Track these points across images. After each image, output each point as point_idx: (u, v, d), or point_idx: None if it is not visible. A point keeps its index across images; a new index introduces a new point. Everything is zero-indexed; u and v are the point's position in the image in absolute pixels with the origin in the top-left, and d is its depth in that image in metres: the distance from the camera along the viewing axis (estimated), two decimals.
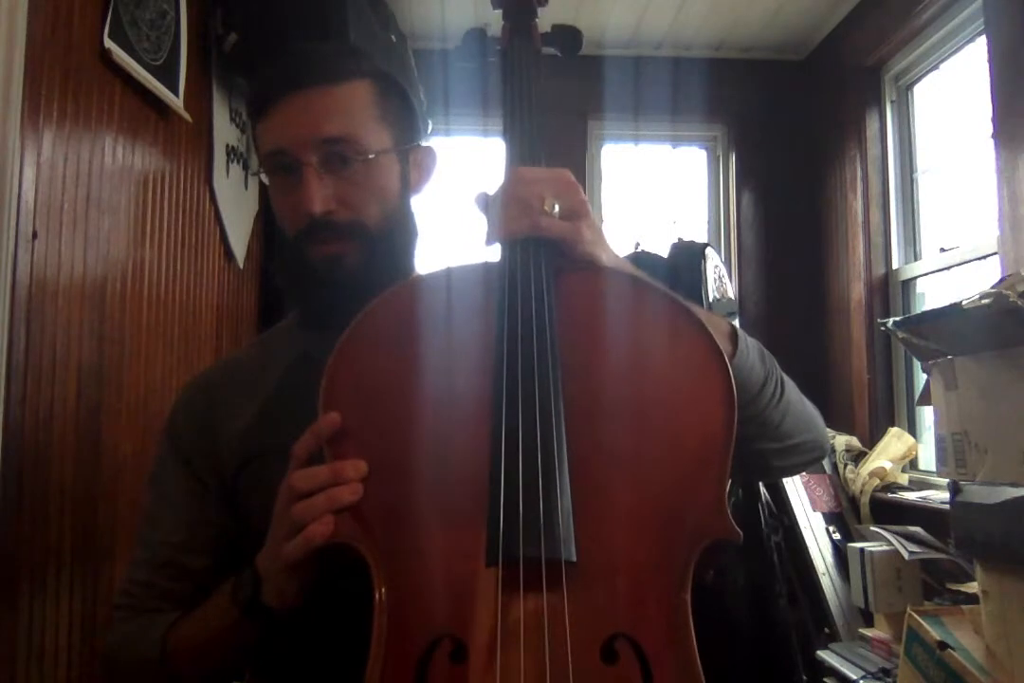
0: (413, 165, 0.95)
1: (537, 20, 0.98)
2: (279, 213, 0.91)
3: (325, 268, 0.87)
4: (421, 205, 0.98)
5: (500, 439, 0.65)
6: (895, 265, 2.96)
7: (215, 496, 0.94)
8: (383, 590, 0.65)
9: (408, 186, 0.93)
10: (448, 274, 0.79)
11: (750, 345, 0.84)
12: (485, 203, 0.80)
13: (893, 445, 2.68)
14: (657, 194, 3.57)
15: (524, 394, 0.67)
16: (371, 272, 0.88)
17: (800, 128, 3.38)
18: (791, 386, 0.88)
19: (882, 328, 1.59)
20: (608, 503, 0.66)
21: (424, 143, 0.97)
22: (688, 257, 2.55)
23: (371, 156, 0.87)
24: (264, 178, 0.93)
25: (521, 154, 0.84)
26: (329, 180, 0.85)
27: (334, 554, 0.69)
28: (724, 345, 0.75)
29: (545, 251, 0.75)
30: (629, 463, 0.68)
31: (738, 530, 0.65)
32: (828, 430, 3.00)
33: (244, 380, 0.96)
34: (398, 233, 0.91)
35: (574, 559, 0.63)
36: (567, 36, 0.99)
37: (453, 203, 3.52)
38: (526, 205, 0.75)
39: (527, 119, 0.87)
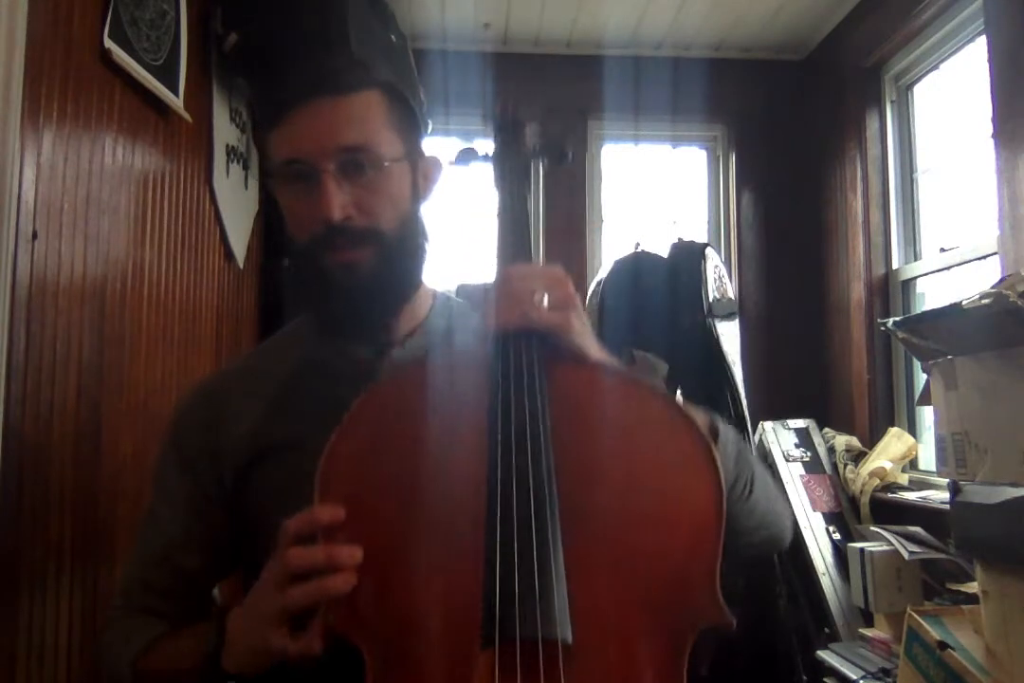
0: (421, 174, 0.97)
1: (527, 131, 1.05)
2: (293, 219, 0.92)
3: (342, 274, 0.89)
4: (429, 213, 1.01)
5: (495, 526, 0.66)
6: (895, 265, 2.96)
7: (214, 498, 0.96)
8: (376, 678, 0.66)
9: (417, 194, 0.96)
10: (444, 362, 0.82)
11: (729, 441, 0.86)
12: (482, 298, 0.84)
13: (893, 445, 2.68)
14: (657, 194, 3.57)
15: (518, 481, 0.68)
16: (385, 278, 0.90)
17: (800, 128, 3.38)
18: (761, 483, 0.91)
19: (882, 328, 1.59)
20: (603, 589, 0.67)
21: (428, 153, 1.00)
22: (688, 257, 2.55)
23: (386, 164, 0.89)
24: (273, 186, 0.94)
25: (514, 254, 0.88)
26: (346, 187, 0.87)
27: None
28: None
29: (536, 342, 0.78)
30: (622, 550, 0.69)
31: (731, 618, 0.67)
32: (828, 430, 3.01)
33: (247, 385, 0.98)
34: (410, 239, 0.94)
35: (571, 640, 0.63)
36: (554, 149, 1.05)
37: (453, 203, 3.53)
38: (517, 299, 0.78)
39: (518, 222, 0.91)
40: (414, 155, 0.95)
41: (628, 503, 0.70)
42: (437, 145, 3.46)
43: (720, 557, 0.69)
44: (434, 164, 1.00)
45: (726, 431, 0.87)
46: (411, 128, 0.96)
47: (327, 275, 0.89)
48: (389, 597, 0.68)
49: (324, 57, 0.96)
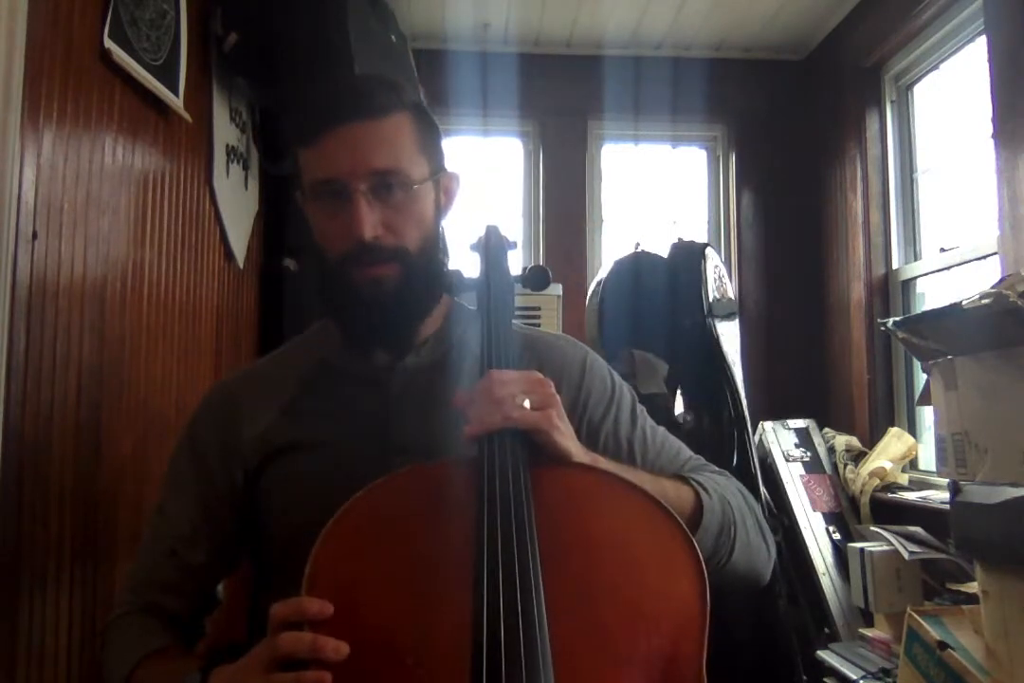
0: (443, 190, 1.02)
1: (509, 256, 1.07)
2: (324, 236, 0.96)
3: (369, 289, 0.93)
4: (448, 227, 1.06)
5: (482, 630, 0.67)
6: (895, 265, 2.96)
7: (224, 496, 1.00)
8: None
9: (440, 212, 1.01)
10: (432, 468, 0.84)
11: (712, 521, 0.90)
12: (467, 402, 0.85)
13: (893, 445, 2.68)
14: (657, 194, 3.57)
15: (505, 583, 0.69)
16: (409, 293, 0.95)
17: (800, 128, 3.38)
18: (741, 544, 0.93)
19: (882, 328, 1.59)
20: (592, 677, 0.69)
21: (449, 169, 1.04)
22: (688, 257, 2.55)
23: (415, 187, 0.94)
24: (303, 201, 0.97)
25: (496, 359, 0.89)
26: (377, 207, 0.91)
27: None
28: (689, 523, 0.83)
29: (520, 443, 0.80)
30: (610, 648, 0.71)
31: None
32: (828, 430, 3.01)
33: (265, 388, 1.03)
34: (432, 256, 0.98)
35: None
36: (538, 276, 1.07)
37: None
38: (499, 401, 0.81)
39: (502, 333, 0.93)
40: (438, 173, 1.00)
41: (613, 593, 0.73)
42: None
43: (704, 647, 0.72)
44: (454, 180, 1.04)
45: (712, 508, 0.90)
46: (436, 147, 1.00)
47: (355, 289, 0.93)
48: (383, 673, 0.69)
49: (356, 77, 0.99)
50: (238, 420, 1.00)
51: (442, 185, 1.01)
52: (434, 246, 0.98)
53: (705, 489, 0.92)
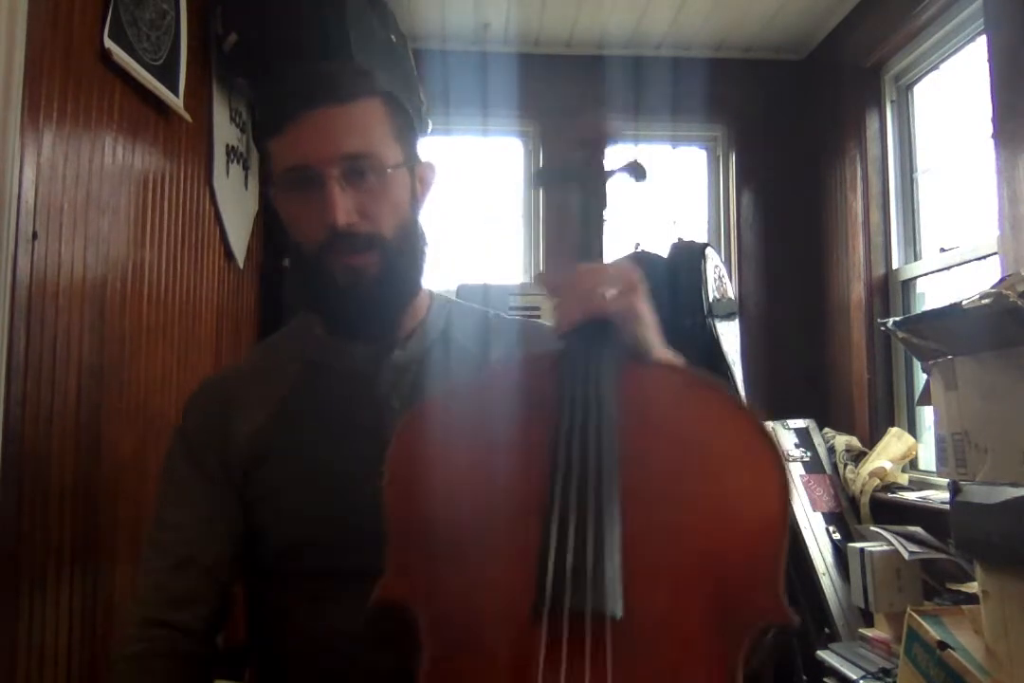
0: (418, 180, 0.99)
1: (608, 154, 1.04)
2: (296, 227, 0.93)
3: (347, 278, 0.91)
4: (427, 218, 1.03)
5: (554, 502, 0.68)
6: (895, 265, 2.96)
7: (230, 494, 0.97)
8: (431, 654, 0.66)
9: (416, 199, 0.98)
10: (516, 361, 0.85)
11: None
12: (554, 286, 0.83)
13: (893, 445, 2.68)
14: (657, 194, 3.57)
15: (579, 466, 0.69)
16: (389, 281, 0.93)
17: (800, 128, 3.38)
18: None
19: (882, 328, 1.59)
20: (661, 574, 0.67)
21: (424, 159, 1.01)
22: (688, 257, 2.55)
23: (389, 171, 0.91)
24: (274, 193, 0.95)
25: (586, 257, 0.88)
26: (350, 192, 0.89)
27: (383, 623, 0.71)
28: None
29: (606, 338, 0.78)
30: (684, 540, 0.69)
31: (794, 616, 0.66)
32: (828, 430, 3.01)
33: (256, 385, 1.00)
34: (411, 244, 0.96)
35: (619, 615, 0.63)
36: (636, 169, 1.06)
37: (454, 204, 3.52)
38: (583, 293, 0.79)
39: (593, 232, 0.92)
40: (413, 162, 0.97)
41: (693, 495, 0.71)
42: (437, 145, 3.46)
43: (784, 559, 0.69)
44: (430, 169, 1.02)
45: None
46: (410, 135, 0.98)
47: (333, 279, 0.91)
48: (454, 571, 0.70)
49: (324, 64, 0.98)
50: (230, 420, 0.98)
51: (417, 174, 0.99)
52: (412, 234, 0.96)
53: None
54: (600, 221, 0.94)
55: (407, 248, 0.95)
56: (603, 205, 0.96)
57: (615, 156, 1.05)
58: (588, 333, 0.78)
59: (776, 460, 0.72)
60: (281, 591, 0.97)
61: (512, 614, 0.65)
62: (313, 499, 0.93)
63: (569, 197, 0.98)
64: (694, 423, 0.76)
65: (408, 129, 0.97)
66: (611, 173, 1.01)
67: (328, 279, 0.91)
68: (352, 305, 0.92)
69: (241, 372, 1.06)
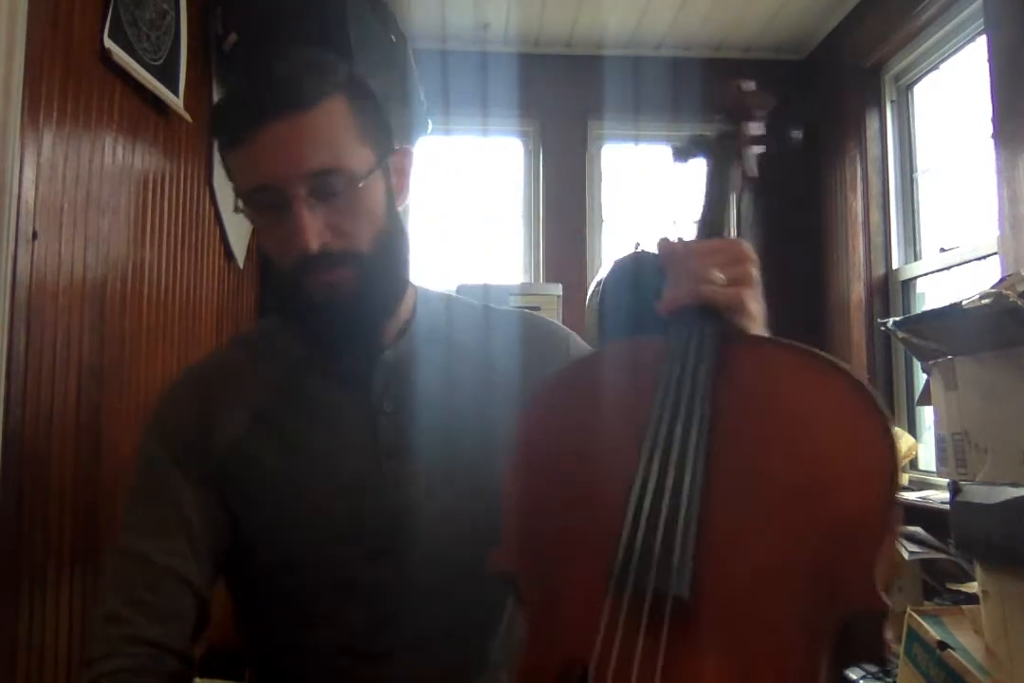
0: (394, 172, 0.92)
1: (752, 123, 1.06)
2: (269, 248, 0.87)
3: (323, 295, 0.85)
4: (409, 206, 0.98)
5: (635, 484, 0.68)
6: (895, 265, 2.96)
7: (211, 496, 0.89)
8: (528, 615, 0.70)
9: (392, 198, 0.90)
10: (624, 345, 0.84)
11: None
12: (668, 256, 0.83)
13: None
14: (657, 194, 3.57)
15: (665, 446, 0.70)
16: (368, 295, 0.87)
17: (800, 128, 3.37)
18: None
19: (882, 328, 1.59)
20: (743, 555, 0.65)
21: (398, 145, 0.94)
22: None
23: (360, 184, 0.83)
24: (245, 214, 0.88)
25: (707, 230, 0.88)
26: (320, 211, 0.82)
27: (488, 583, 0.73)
28: None
29: (711, 321, 0.77)
30: (775, 520, 0.66)
31: (886, 602, 0.61)
32: None
33: (237, 384, 0.92)
34: (389, 250, 0.89)
35: (686, 596, 0.62)
36: (783, 140, 1.07)
37: (454, 204, 3.52)
38: (691, 275, 0.77)
39: (717, 201, 0.92)
40: (386, 157, 0.89)
41: (787, 476, 0.67)
42: (437, 145, 3.46)
43: (889, 547, 0.64)
44: (406, 156, 0.94)
45: None
46: (380, 128, 0.89)
47: (309, 296, 0.85)
48: (550, 543, 0.72)
49: (277, 64, 0.86)
50: (213, 422, 0.90)
51: (393, 168, 0.91)
52: (391, 239, 0.89)
53: None
54: (725, 196, 0.93)
55: (386, 258, 0.88)
56: (731, 180, 0.96)
57: (768, 128, 1.05)
58: (693, 316, 0.77)
59: (887, 443, 0.67)
60: (268, 605, 0.93)
61: (594, 590, 0.66)
62: (302, 514, 0.88)
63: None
64: (796, 404, 0.72)
65: (377, 121, 0.89)
66: (749, 147, 1.00)
67: (305, 296, 0.85)
68: (330, 320, 0.86)
69: (220, 369, 0.96)
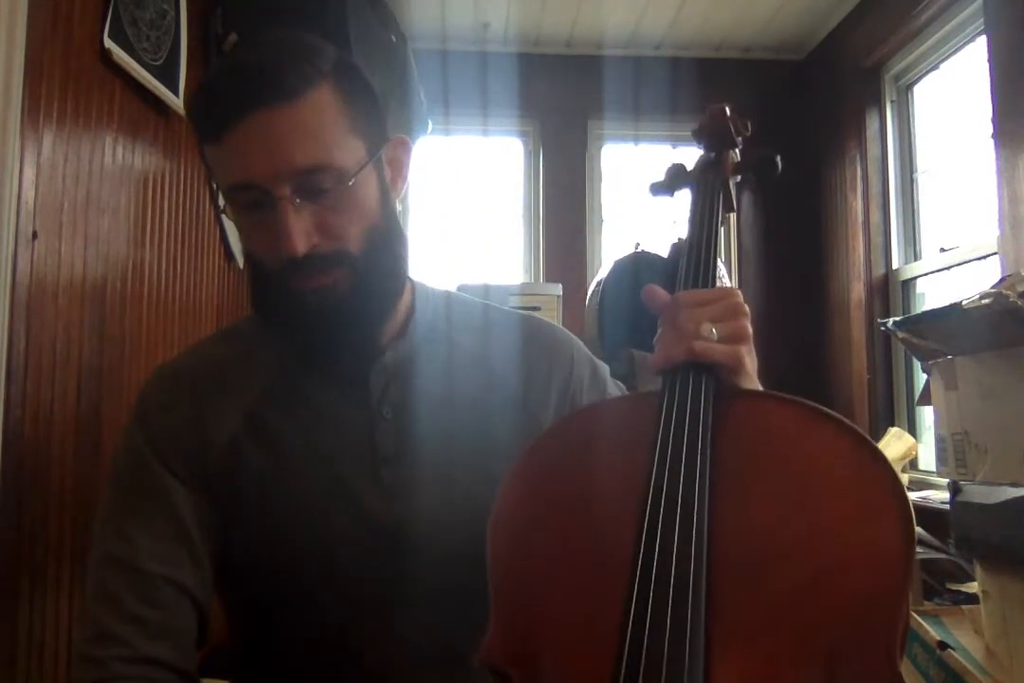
0: (388, 164, 0.86)
1: (734, 150, 0.96)
2: (254, 250, 0.81)
3: (314, 299, 0.79)
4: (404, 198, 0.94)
5: (633, 590, 0.60)
6: (895, 265, 2.96)
7: (202, 500, 0.84)
8: None
9: (386, 191, 0.84)
10: (612, 406, 0.80)
11: None
12: (659, 309, 0.77)
13: (893, 445, 2.68)
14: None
15: (662, 544, 0.62)
16: (362, 297, 0.81)
17: (800, 128, 3.38)
18: None
19: (882, 328, 1.59)
20: (756, 651, 0.59)
21: (392, 135, 0.87)
22: None
23: (351, 182, 0.77)
24: (226, 214, 0.82)
25: (695, 278, 0.81)
26: (307, 211, 0.76)
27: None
28: None
29: (706, 378, 0.71)
30: (784, 619, 0.59)
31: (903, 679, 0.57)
32: None
33: (227, 381, 0.87)
34: (384, 247, 0.83)
35: None
36: (765, 164, 0.95)
37: (453, 203, 3.53)
38: (683, 331, 0.72)
39: (705, 244, 0.84)
40: (378, 148, 0.83)
41: (797, 569, 0.61)
42: (437, 145, 3.46)
43: (902, 630, 0.58)
44: (401, 147, 0.88)
45: None
46: (371, 117, 0.82)
47: (298, 300, 0.79)
48: (547, 632, 0.65)
49: (260, 49, 0.79)
50: (203, 422, 0.84)
51: (386, 159, 0.85)
52: (385, 236, 0.83)
53: None
54: (714, 233, 0.85)
55: (380, 257, 0.82)
56: (718, 214, 0.88)
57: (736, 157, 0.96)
58: (686, 372, 0.72)
59: (903, 508, 0.60)
60: (260, 610, 0.89)
61: None
62: (296, 520, 0.83)
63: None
64: (808, 467, 0.65)
65: (368, 110, 0.82)
66: (733, 176, 0.92)
67: (293, 299, 0.79)
68: (322, 325, 0.80)
69: (206, 366, 0.89)
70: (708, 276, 0.80)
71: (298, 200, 0.75)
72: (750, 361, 0.74)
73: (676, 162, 0.94)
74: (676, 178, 0.94)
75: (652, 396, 0.73)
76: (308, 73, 0.76)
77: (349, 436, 0.85)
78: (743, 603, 0.59)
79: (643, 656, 0.56)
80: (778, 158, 0.94)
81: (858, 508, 0.62)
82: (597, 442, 0.73)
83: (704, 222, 0.86)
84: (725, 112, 0.96)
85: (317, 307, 0.79)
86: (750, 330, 0.75)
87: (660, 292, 0.78)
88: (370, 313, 0.84)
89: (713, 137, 0.94)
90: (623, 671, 0.56)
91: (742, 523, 0.63)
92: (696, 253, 0.82)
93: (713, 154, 0.94)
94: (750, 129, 0.98)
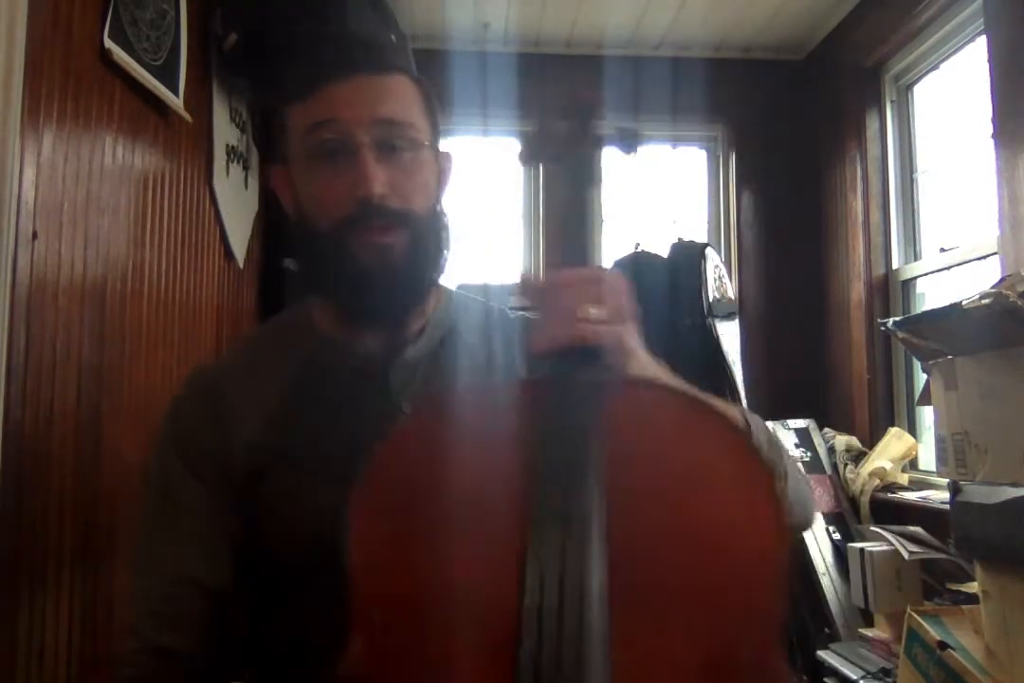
0: (441, 170, 0.94)
1: (598, 122, 0.94)
2: (315, 198, 0.85)
3: (373, 257, 0.83)
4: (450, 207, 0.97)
5: (531, 583, 0.59)
6: (895, 265, 2.96)
7: (227, 504, 0.87)
8: None
9: (441, 185, 0.93)
10: (480, 389, 0.76)
11: (760, 434, 0.80)
12: (535, 296, 0.75)
13: (893, 445, 2.68)
14: (657, 194, 3.57)
15: (562, 526, 0.61)
16: (415, 263, 0.85)
17: (800, 128, 3.38)
18: (792, 471, 0.84)
19: (882, 328, 1.59)
20: (652, 652, 0.60)
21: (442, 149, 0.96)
22: (688, 257, 2.56)
23: (424, 142, 0.87)
24: (283, 171, 0.88)
25: (572, 256, 0.78)
26: (383, 164, 0.83)
27: None
28: None
29: (586, 360, 0.70)
30: (677, 597, 0.61)
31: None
32: (828, 430, 3.01)
33: (249, 386, 0.91)
34: (438, 227, 0.89)
35: None
36: (628, 136, 0.93)
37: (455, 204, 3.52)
38: (566, 312, 0.70)
39: (579, 221, 0.82)
40: (438, 148, 0.93)
41: (686, 538, 0.63)
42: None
43: (781, 600, 0.62)
44: (449, 159, 0.96)
45: (756, 422, 0.81)
46: (435, 125, 0.93)
47: (355, 260, 0.83)
48: (416, 651, 0.63)
49: (363, 31, 0.92)
50: (227, 425, 0.88)
51: (440, 161, 0.93)
52: (439, 219, 0.89)
53: (742, 408, 0.83)
54: (590, 207, 0.82)
55: (435, 230, 0.88)
56: (594, 187, 0.85)
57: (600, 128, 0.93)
58: (568, 355, 0.69)
59: (771, 491, 0.64)
60: (278, 606, 0.90)
61: None
62: (321, 517, 0.83)
63: (560, 179, 0.87)
64: (687, 453, 0.67)
65: (436, 117, 0.93)
66: (601, 144, 0.90)
67: (347, 259, 0.83)
68: (373, 286, 0.83)
69: (232, 372, 0.94)
70: (586, 254, 0.78)
71: (377, 152, 0.82)
72: (633, 340, 0.73)
73: (536, 132, 0.91)
74: (537, 149, 0.92)
75: (534, 385, 0.70)
76: (396, 61, 0.90)
77: (368, 428, 0.84)
78: (636, 593, 0.60)
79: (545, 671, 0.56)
80: (639, 130, 0.93)
81: (738, 492, 0.65)
82: (470, 436, 0.69)
83: (573, 197, 0.84)
84: (587, 90, 0.96)
85: (369, 266, 0.83)
86: (631, 308, 0.74)
87: (534, 279, 0.76)
88: (414, 284, 0.88)
89: (575, 110, 0.93)
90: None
91: (631, 513, 0.63)
92: (570, 230, 0.80)
93: (576, 126, 0.92)
94: (603, 102, 0.96)
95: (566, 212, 0.83)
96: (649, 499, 0.64)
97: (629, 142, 0.93)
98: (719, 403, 0.74)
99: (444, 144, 0.96)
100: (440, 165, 0.93)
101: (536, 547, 0.60)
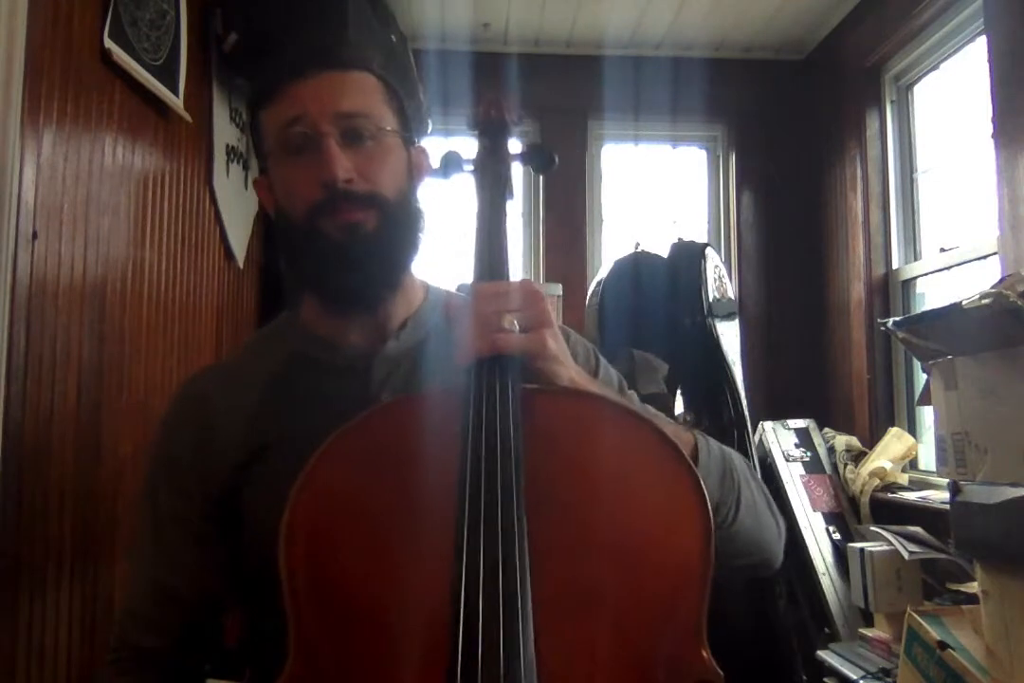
0: (413, 161, 0.95)
1: (511, 138, 0.97)
2: (289, 191, 0.89)
3: (343, 236, 0.85)
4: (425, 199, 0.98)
5: (460, 587, 0.61)
6: (895, 265, 2.96)
7: (207, 516, 0.91)
8: None
9: (412, 175, 0.94)
10: (415, 401, 0.78)
11: (712, 464, 0.82)
12: (456, 310, 0.78)
13: (893, 445, 2.68)
14: (657, 194, 3.57)
15: (487, 529, 0.63)
16: (386, 242, 0.87)
17: (800, 128, 3.38)
18: (748, 507, 0.85)
19: (882, 328, 1.59)
20: (578, 648, 0.63)
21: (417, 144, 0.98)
22: (688, 257, 2.55)
23: (388, 129, 0.90)
24: (268, 165, 0.92)
25: (489, 269, 0.82)
26: (349, 152, 0.86)
27: None
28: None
29: (510, 369, 0.72)
30: (601, 600, 0.64)
31: (719, 672, 0.63)
32: (828, 430, 3.00)
33: (234, 389, 0.93)
34: (409, 210, 0.92)
35: None
36: (538, 156, 0.98)
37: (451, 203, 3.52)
38: (486, 323, 0.73)
39: (492, 234, 0.86)
40: (407, 137, 0.94)
41: (608, 540, 0.66)
42: (437, 145, 3.46)
43: (705, 601, 0.65)
44: (423, 153, 0.98)
45: (711, 451, 0.83)
46: (403, 117, 0.95)
47: (327, 239, 0.86)
48: (352, 655, 0.64)
49: (321, 35, 0.95)
50: (210, 429, 0.91)
51: (411, 153, 0.95)
52: (410, 204, 0.92)
53: (705, 438, 0.85)
54: (502, 221, 0.87)
55: (406, 212, 0.90)
56: (505, 200, 0.90)
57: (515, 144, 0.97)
58: (492, 366, 0.71)
59: (697, 493, 0.67)
60: (271, 606, 0.93)
61: None
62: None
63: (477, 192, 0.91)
64: (609, 458, 0.69)
65: (402, 112, 0.95)
66: (512, 161, 0.94)
67: (322, 239, 0.86)
68: (347, 264, 0.86)
69: (217, 377, 0.98)
70: (503, 266, 0.81)
71: (342, 142, 0.86)
72: (555, 344, 0.75)
73: (451, 150, 0.96)
74: (451, 165, 0.96)
75: (458, 392, 0.72)
76: (360, 59, 0.93)
77: (345, 417, 0.86)
78: (560, 595, 0.63)
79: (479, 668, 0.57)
80: (554, 154, 0.97)
81: (660, 502, 0.68)
82: (396, 445, 0.72)
83: (488, 211, 0.89)
84: (500, 101, 0.98)
85: (345, 245, 0.86)
86: (551, 314, 0.76)
87: (455, 296, 0.80)
88: (389, 266, 0.90)
89: (489, 126, 0.96)
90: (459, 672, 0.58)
91: (552, 517, 0.65)
92: (486, 243, 0.84)
93: (489, 143, 0.96)
94: (522, 119, 1.00)
95: (478, 224, 0.87)
96: (569, 502, 0.67)
97: (539, 160, 0.97)
98: (643, 410, 0.77)
99: (419, 139, 0.98)
100: (413, 158, 0.95)
101: (460, 553, 0.62)
